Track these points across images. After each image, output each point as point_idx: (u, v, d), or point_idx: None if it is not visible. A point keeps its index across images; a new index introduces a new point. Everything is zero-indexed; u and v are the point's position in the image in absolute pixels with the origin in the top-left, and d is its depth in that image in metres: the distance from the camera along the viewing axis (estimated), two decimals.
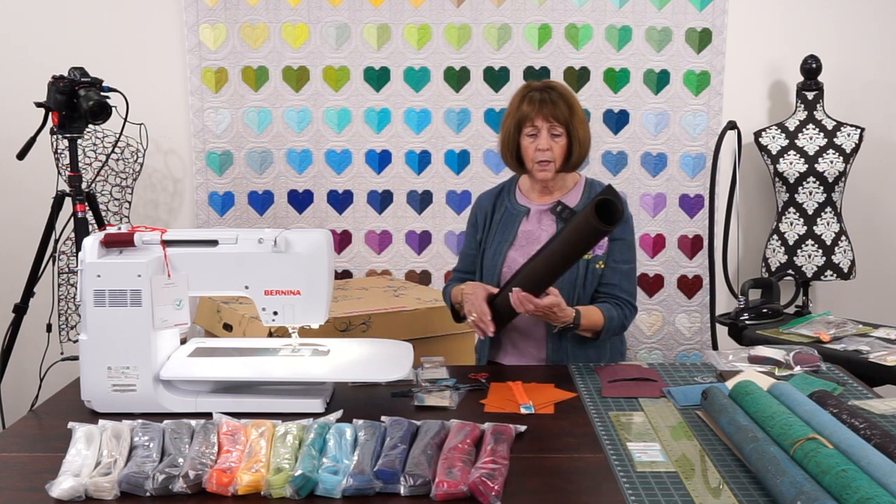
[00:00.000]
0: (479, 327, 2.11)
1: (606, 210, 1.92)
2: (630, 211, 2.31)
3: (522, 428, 1.66)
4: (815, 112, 3.60)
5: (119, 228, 1.85)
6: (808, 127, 3.59)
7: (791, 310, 3.24)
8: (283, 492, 1.39)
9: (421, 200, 3.76)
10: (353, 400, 1.88)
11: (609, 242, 2.23)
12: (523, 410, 1.80)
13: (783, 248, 3.61)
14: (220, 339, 2.37)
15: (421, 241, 3.79)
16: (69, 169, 2.95)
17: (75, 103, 2.85)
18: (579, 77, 3.68)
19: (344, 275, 3.76)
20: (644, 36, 3.68)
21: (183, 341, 1.98)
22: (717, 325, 3.50)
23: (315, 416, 1.68)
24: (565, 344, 2.22)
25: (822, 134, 3.56)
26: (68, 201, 2.95)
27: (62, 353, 2.96)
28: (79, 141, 3.03)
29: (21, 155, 2.94)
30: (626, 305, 2.22)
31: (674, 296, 3.83)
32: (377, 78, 3.68)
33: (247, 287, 1.85)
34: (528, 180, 2.33)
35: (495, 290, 2.15)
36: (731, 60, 3.71)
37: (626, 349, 2.41)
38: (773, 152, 3.60)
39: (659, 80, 3.71)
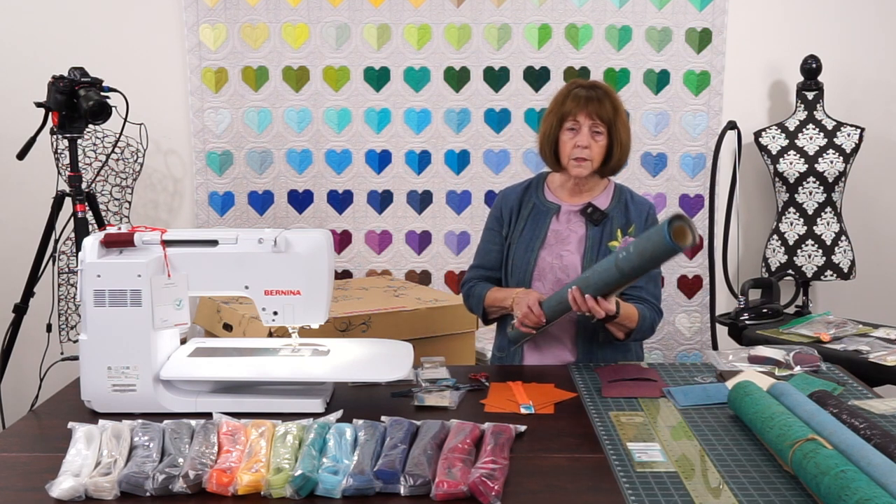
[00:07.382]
0: (526, 323, 2.06)
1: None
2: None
3: (522, 428, 1.66)
4: (815, 112, 3.60)
5: (119, 228, 1.84)
6: (808, 127, 3.59)
7: (791, 310, 3.24)
8: (283, 492, 1.39)
9: (421, 200, 3.76)
10: (353, 400, 1.88)
11: None
12: (523, 410, 1.80)
13: (783, 248, 3.61)
14: (220, 339, 2.37)
15: (421, 241, 3.79)
16: (69, 169, 2.95)
17: (75, 103, 2.84)
18: (579, 77, 3.68)
19: (344, 275, 3.76)
20: (644, 36, 3.68)
21: (183, 341, 1.98)
22: (717, 325, 3.50)
23: (315, 416, 1.68)
24: (595, 347, 2.21)
25: (822, 134, 3.56)
26: (68, 201, 2.95)
27: (62, 353, 2.96)
28: (79, 141, 3.02)
29: (21, 155, 2.94)
30: (653, 309, 2.19)
31: (674, 296, 3.83)
32: (377, 78, 3.68)
33: (247, 287, 1.85)
34: (559, 178, 2.29)
35: (544, 296, 2.09)
36: (731, 60, 3.71)
37: None
38: (773, 152, 3.60)
39: (659, 80, 3.71)
